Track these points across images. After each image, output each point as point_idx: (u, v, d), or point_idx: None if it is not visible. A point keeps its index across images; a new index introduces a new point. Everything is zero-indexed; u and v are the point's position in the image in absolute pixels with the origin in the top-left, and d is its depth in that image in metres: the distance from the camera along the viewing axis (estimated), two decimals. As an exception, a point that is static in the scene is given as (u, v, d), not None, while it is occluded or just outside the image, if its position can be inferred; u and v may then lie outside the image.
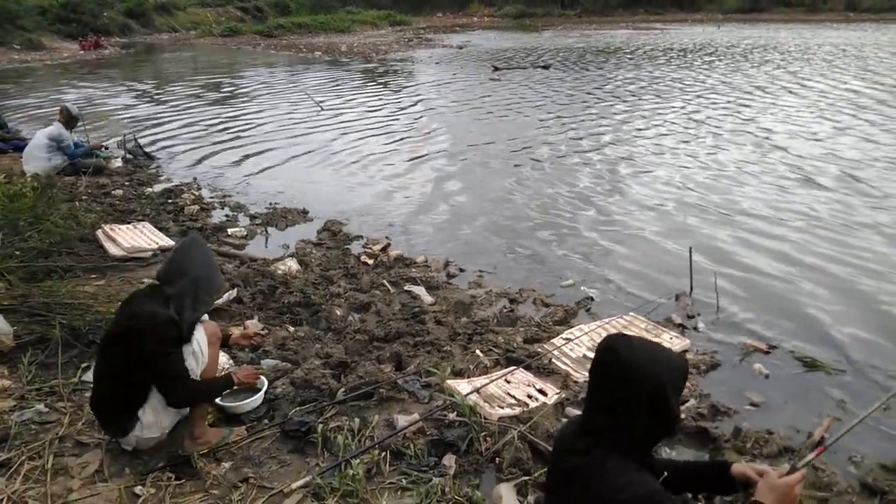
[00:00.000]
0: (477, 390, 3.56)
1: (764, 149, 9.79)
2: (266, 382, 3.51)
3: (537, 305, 5.01)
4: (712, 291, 4.92)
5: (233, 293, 4.93)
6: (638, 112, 12.98)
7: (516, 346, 4.24)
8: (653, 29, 39.84)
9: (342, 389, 3.55)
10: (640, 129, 11.35)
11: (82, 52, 30.61)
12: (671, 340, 4.27)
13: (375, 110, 14.34)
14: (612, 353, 1.76)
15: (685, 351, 4.20)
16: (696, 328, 4.58)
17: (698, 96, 14.73)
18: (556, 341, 4.31)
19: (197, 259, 2.97)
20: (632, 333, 4.30)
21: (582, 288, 5.28)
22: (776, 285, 5.26)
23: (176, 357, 2.85)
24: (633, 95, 15.14)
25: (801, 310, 4.85)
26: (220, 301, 4.74)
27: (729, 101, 13.89)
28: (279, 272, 5.36)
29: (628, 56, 24.35)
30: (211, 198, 8.00)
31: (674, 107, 13.53)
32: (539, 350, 4.19)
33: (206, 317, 3.13)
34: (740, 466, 1.94)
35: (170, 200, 7.78)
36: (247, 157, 10.16)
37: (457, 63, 24.29)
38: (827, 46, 25.44)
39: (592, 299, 5.10)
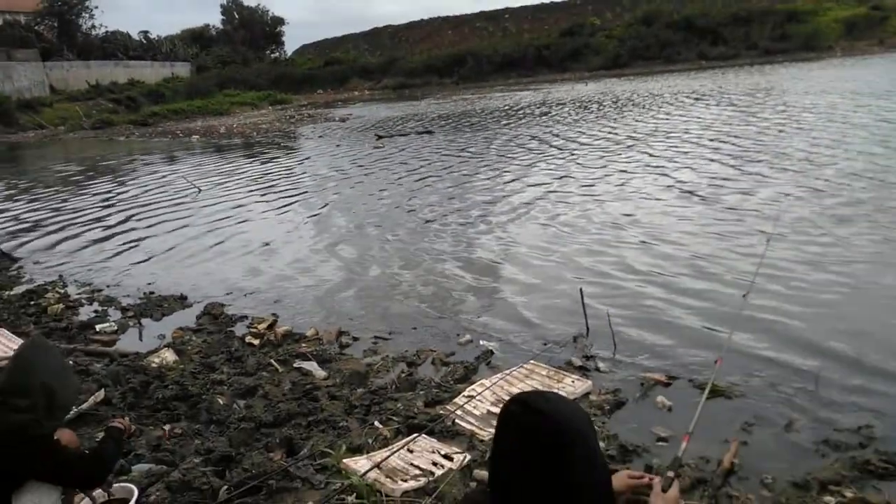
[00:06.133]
0: (377, 465, 3.29)
1: (621, 188, 10.21)
2: (136, 492, 3.08)
3: (437, 366, 4.81)
4: (607, 329, 4.90)
5: (100, 395, 4.44)
6: (513, 166, 13.35)
7: (417, 412, 4.01)
8: (526, 90, 41.86)
9: (225, 487, 3.17)
10: (514, 182, 11.62)
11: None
12: (573, 384, 4.17)
13: (256, 188, 13.96)
14: (533, 413, 1.38)
15: (587, 393, 4.11)
16: (597, 368, 4.52)
17: (562, 148, 15.34)
18: (459, 400, 4.11)
19: (44, 364, 2.57)
20: (534, 381, 4.22)
21: (481, 342, 5.13)
22: (666, 315, 5.33)
23: (67, 451, 2.58)
24: (509, 150, 15.60)
25: (694, 336, 4.91)
26: (84, 406, 4.27)
27: (593, 150, 14.55)
28: (153, 365, 4.89)
29: (503, 115, 25.32)
30: (78, 294, 7.35)
31: (546, 158, 14.01)
32: (441, 412, 3.97)
33: None
34: (621, 482, 1.74)
35: (31, 302, 7.10)
36: (119, 248, 9.49)
37: (340, 134, 24.37)
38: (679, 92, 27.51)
39: (493, 352, 4.95)
